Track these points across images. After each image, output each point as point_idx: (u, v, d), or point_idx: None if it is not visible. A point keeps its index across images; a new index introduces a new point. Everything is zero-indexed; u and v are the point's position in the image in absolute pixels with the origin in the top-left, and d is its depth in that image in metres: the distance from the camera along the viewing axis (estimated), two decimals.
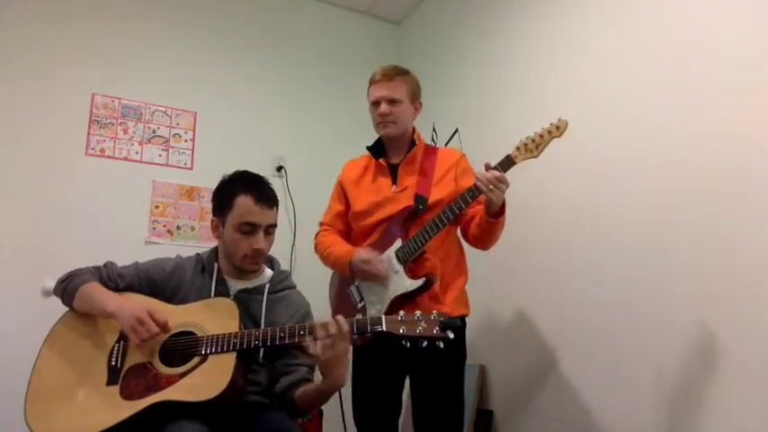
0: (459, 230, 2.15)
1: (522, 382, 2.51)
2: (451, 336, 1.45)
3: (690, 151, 1.99)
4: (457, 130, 3.13)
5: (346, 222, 2.21)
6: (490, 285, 2.76)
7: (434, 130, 3.31)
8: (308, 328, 1.51)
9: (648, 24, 2.19)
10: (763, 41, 1.82)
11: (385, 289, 1.98)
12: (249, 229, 1.67)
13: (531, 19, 2.76)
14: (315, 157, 3.11)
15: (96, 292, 1.61)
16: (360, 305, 2.04)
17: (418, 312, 1.48)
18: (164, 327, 1.55)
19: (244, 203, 1.67)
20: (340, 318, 1.49)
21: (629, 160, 2.18)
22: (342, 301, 2.10)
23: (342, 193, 2.21)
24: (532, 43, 2.73)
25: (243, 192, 1.68)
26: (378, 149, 2.19)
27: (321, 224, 2.27)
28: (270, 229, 1.70)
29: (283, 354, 1.67)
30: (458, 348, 2.00)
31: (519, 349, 2.57)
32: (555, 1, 2.62)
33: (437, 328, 1.45)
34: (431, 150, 2.18)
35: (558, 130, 1.87)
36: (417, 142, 2.16)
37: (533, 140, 1.88)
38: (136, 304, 1.57)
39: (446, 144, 3.19)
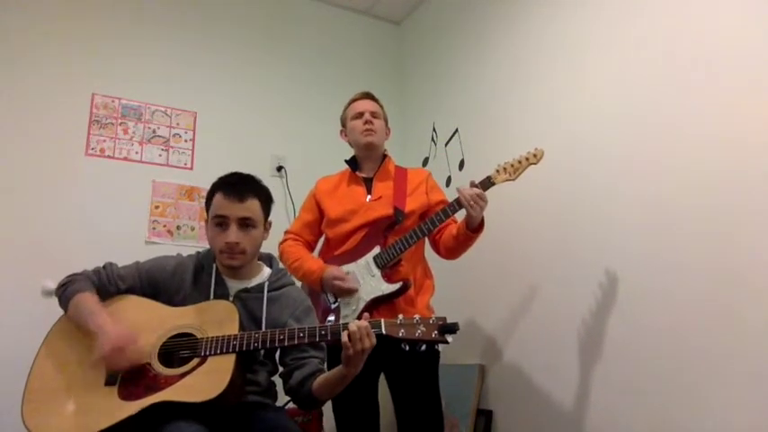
0: (427, 240, 2.27)
1: (522, 382, 2.51)
2: (450, 340, 1.45)
3: (689, 154, 1.99)
4: (457, 130, 3.13)
5: (315, 232, 2.32)
6: (489, 285, 2.76)
7: (434, 130, 3.31)
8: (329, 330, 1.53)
9: (650, 26, 2.19)
10: (761, 43, 1.82)
11: (360, 291, 2.08)
12: (220, 221, 1.68)
13: (531, 19, 2.76)
14: (315, 157, 3.11)
15: (84, 307, 1.59)
16: (333, 306, 2.11)
17: (417, 316, 1.50)
18: (135, 363, 1.53)
19: (216, 199, 1.71)
20: (363, 321, 1.50)
21: (631, 161, 2.18)
22: (316, 303, 2.14)
23: (314, 203, 2.32)
24: (533, 43, 2.73)
25: (218, 189, 1.72)
26: (353, 164, 2.33)
27: (287, 232, 2.33)
28: (245, 222, 1.68)
29: (291, 350, 1.67)
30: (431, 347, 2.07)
31: (519, 350, 2.57)
32: (556, 1, 2.62)
33: (436, 331, 1.46)
34: (400, 168, 2.35)
35: (534, 157, 2.05)
36: (388, 157, 2.35)
37: (512, 165, 2.05)
38: (119, 330, 1.53)
39: (446, 144, 3.19)
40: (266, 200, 1.77)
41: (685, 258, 1.95)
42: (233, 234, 1.66)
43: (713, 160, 1.91)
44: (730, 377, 1.79)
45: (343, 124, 2.38)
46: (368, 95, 2.36)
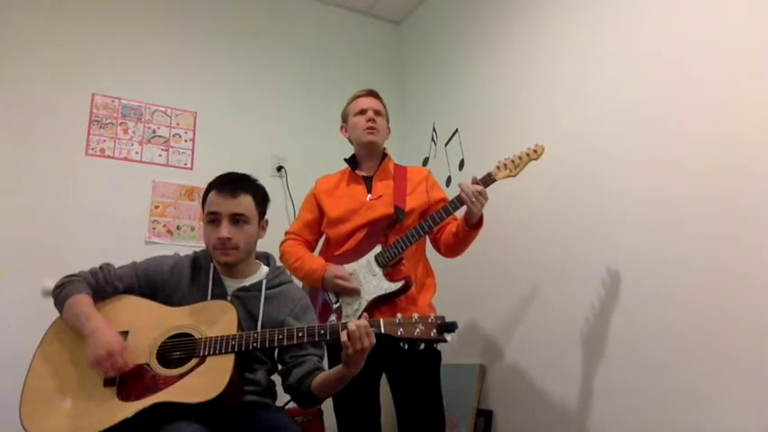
0: (428, 239, 2.26)
1: (522, 381, 2.51)
2: (449, 339, 1.45)
3: (690, 153, 1.99)
4: (457, 130, 3.13)
5: (315, 232, 2.31)
6: (490, 285, 2.76)
7: (434, 129, 3.31)
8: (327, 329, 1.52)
9: (649, 25, 2.19)
10: (762, 41, 1.82)
11: (362, 290, 2.07)
12: (213, 218, 1.69)
13: (531, 19, 2.76)
14: (315, 157, 3.11)
15: (78, 310, 1.59)
16: (335, 305, 2.10)
17: (416, 315, 1.49)
18: (121, 370, 1.51)
19: (210, 197, 1.72)
20: (362, 321, 1.49)
21: (631, 160, 2.18)
22: (315, 302, 2.14)
23: (314, 203, 2.30)
24: (533, 43, 2.73)
25: (212, 188, 1.73)
26: (353, 162, 2.33)
27: (287, 233, 2.33)
28: (236, 218, 1.68)
29: (290, 347, 1.66)
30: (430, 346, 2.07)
31: (519, 349, 2.57)
32: (556, 1, 2.62)
33: (434, 330, 1.46)
34: (400, 166, 2.34)
35: (535, 153, 2.05)
36: (388, 156, 2.33)
37: (512, 161, 2.05)
38: (110, 337, 1.53)
39: (446, 144, 3.19)
40: (261, 197, 1.77)
41: (687, 258, 1.95)
42: (225, 229, 1.66)
43: (715, 159, 1.91)
44: (731, 376, 1.79)
45: (345, 119, 2.36)
46: (372, 93, 2.34)
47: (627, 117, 2.21)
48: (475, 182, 2.03)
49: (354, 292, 2.07)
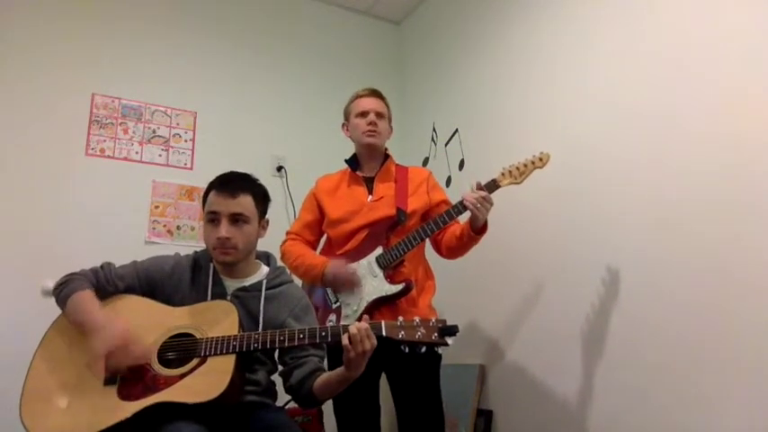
0: (428, 241, 2.24)
1: (522, 382, 2.51)
2: (450, 343, 1.45)
3: (690, 153, 1.99)
4: (457, 130, 3.13)
5: (316, 232, 2.30)
6: (490, 285, 2.76)
7: (434, 129, 3.32)
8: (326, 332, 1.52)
9: (649, 25, 2.18)
10: (763, 39, 1.82)
11: (362, 291, 2.06)
12: (212, 217, 1.69)
13: (531, 19, 2.76)
14: (315, 157, 3.11)
15: (82, 306, 1.58)
16: (335, 305, 2.10)
17: (417, 318, 1.50)
18: (137, 360, 1.52)
19: (210, 197, 1.73)
20: (363, 323, 1.50)
21: (631, 160, 2.18)
22: (313, 302, 2.13)
23: (315, 203, 2.29)
24: (533, 43, 2.73)
25: (212, 188, 1.74)
26: (353, 163, 2.31)
27: (288, 233, 2.32)
28: (236, 217, 1.68)
29: (291, 348, 1.66)
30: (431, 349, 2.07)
31: (520, 350, 2.57)
32: (556, 1, 2.62)
33: (436, 334, 1.46)
34: (401, 167, 2.33)
35: (540, 161, 2.05)
36: (390, 157, 2.31)
37: (518, 168, 2.05)
38: (117, 329, 1.52)
39: (446, 144, 3.19)
40: (261, 197, 1.77)
41: (687, 258, 1.95)
42: (224, 229, 1.66)
43: (715, 159, 1.91)
44: (731, 376, 1.79)
45: (346, 118, 2.34)
46: (375, 93, 2.30)
47: (627, 117, 2.21)
48: (479, 187, 2.02)
49: (353, 285, 2.05)
